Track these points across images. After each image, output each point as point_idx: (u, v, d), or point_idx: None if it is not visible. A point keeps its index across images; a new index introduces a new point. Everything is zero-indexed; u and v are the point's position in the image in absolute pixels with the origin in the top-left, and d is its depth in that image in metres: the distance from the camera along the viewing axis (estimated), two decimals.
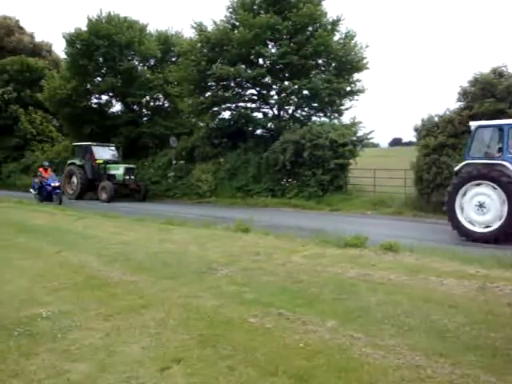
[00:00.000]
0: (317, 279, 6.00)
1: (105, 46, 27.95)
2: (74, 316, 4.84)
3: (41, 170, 22.39)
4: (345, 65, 22.85)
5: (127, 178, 23.52)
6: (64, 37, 29.01)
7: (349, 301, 5.10)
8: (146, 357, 3.83)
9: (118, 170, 23.64)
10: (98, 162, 24.40)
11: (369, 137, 21.69)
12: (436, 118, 16.23)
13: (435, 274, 6.06)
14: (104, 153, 25.38)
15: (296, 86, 22.42)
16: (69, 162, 25.92)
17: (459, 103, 16.01)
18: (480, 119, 14.75)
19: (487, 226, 10.03)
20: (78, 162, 25.04)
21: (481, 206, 10.17)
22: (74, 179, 24.68)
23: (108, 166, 24.31)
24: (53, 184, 20.82)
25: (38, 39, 53.72)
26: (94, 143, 25.89)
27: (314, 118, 24.43)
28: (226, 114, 26.28)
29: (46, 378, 3.53)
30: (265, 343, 4.01)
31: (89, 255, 8.05)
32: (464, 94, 15.78)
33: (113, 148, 26.33)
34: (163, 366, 3.63)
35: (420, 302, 4.99)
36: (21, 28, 53.81)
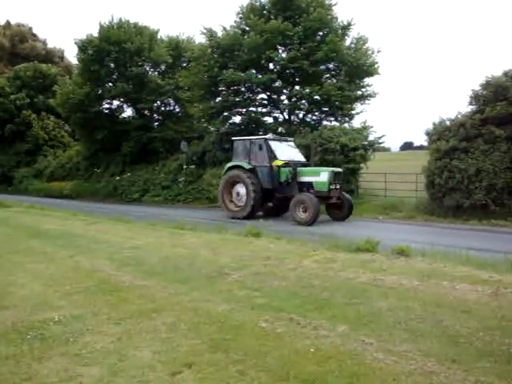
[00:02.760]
0: (328, 284, 5.98)
1: (116, 51, 28.27)
2: (86, 320, 4.87)
3: None
4: (356, 70, 22.82)
5: (333, 187, 15.04)
6: (76, 43, 29.41)
7: (360, 306, 5.07)
8: (157, 361, 3.83)
9: (319, 176, 15.17)
10: (276, 163, 16.27)
11: (380, 141, 21.62)
12: (447, 122, 16.13)
13: (448, 278, 6.01)
14: (282, 150, 16.96)
15: (307, 91, 22.42)
16: (229, 164, 17.55)
17: (471, 107, 15.90)
18: (492, 122, 14.68)
19: None
20: (245, 164, 16.70)
21: None
22: (241, 189, 16.62)
23: (301, 169, 15.85)
24: None
25: (50, 45, 54.60)
26: (271, 136, 17.95)
27: (324, 123, 24.44)
28: (237, 119, 26.37)
29: (58, 382, 3.55)
30: (276, 348, 4.00)
31: (101, 259, 8.09)
32: (476, 98, 15.66)
33: (292, 144, 18.13)
34: (174, 371, 3.64)
35: (432, 307, 4.94)
36: (34, 35, 54.64)
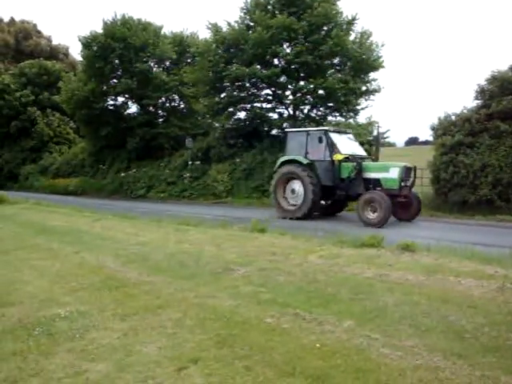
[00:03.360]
0: (333, 279, 5.98)
1: (120, 48, 28.25)
2: (92, 316, 4.89)
3: None
4: (360, 64, 22.75)
5: (403, 184, 13.33)
6: (80, 40, 29.45)
7: (366, 301, 5.07)
8: (163, 357, 3.84)
9: (388, 173, 13.45)
10: (336, 158, 14.36)
11: (385, 136, 21.62)
12: (453, 117, 16.08)
13: (453, 274, 6.00)
14: (343, 143, 15.01)
15: (312, 86, 22.38)
16: (282, 159, 15.56)
17: (476, 101, 15.85)
18: (498, 117, 14.60)
19: None
20: (302, 158, 14.79)
21: None
22: (297, 186, 14.78)
23: (366, 164, 14.12)
24: None
25: (54, 42, 54.67)
26: (331, 128, 15.84)
27: (329, 118, 24.41)
28: (242, 115, 26.36)
29: (65, 378, 3.57)
30: (282, 343, 4.00)
31: (106, 256, 8.11)
32: (481, 92, 15.60)
33: (351, 136, 16.17)
34: (180, 366, 3.65)
35: (438, 302, 4.94)
36: (38, 32, 54.73)
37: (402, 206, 13.66)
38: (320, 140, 14.46)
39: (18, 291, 6.02)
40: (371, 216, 12.76)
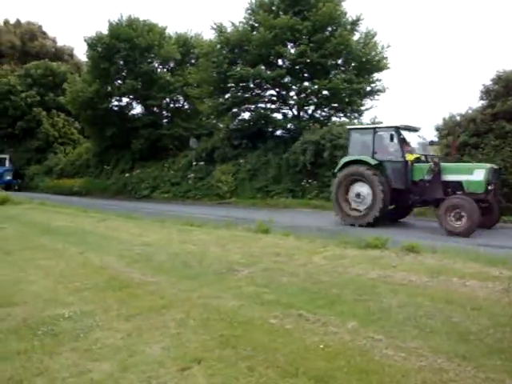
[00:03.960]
0: (337, 280, 5.97)
1: (125, 49, 28.28)
2: (96, 316, 4.90)
3: None
4: (365, 64, 22.75)
5: (490, 188, 11.81)
6: (85, 40, 29.48)
7: (369, 302, 5.06)
8: (167, 357, 3.85)
9: (473, 175, 11.89)
10: (409, 158, 12.82)
11: None
12: (458, 117, 16.03)
13: (457, 275, 5.98)
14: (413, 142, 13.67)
15: (316, 87, 22.38)
16: (345, 159, 13.93)
17: (482, 102, 15.79)
18: (503, 117, 14.54)
19: None
20: (369, 159, 13.18)
21: None
22: (363, 189, 13.12)
23: (445, 166, 12.47)
24: None
25: (60, 43, 54.79)
26: (403, 124, 13.53)
27: (333, 119, 24.39)
28: (246, 115, 26.34)
29: (69, 377, 3.58)
30: (285, 344, 4.00)
31: (111, 256, 8.13)
32: (487, 92, 15.55)
33: (421, 134, 14.52)
34: (184, 366, 3.65)
35: (442, 303, 4.92)
36: (44, 33, 54.87)
37: (483, 211, 11.89)
38: (391, 138, 12.87)
39: (22, 291, 6.04)
40: (456, 224, 11.29)
